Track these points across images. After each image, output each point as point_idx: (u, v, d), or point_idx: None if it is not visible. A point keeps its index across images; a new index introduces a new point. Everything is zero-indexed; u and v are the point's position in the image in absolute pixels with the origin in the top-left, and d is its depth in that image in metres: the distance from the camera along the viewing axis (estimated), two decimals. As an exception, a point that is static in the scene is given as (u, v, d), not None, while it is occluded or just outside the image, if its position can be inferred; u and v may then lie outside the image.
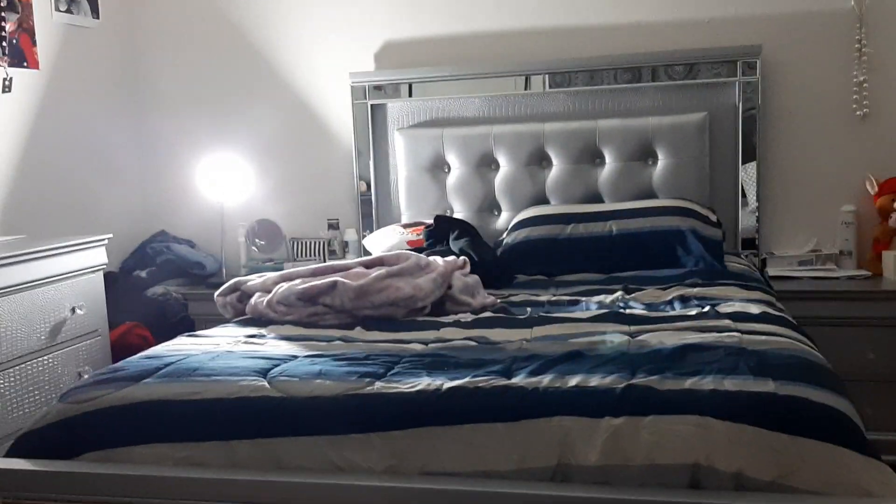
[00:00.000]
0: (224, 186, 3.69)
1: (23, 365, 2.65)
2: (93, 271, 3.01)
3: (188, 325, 3.43)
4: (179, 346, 2.12)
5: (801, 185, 3.33)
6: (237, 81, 3.81)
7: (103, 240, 3.04)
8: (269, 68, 3.77)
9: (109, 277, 3.42)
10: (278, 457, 1.65)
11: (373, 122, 3.65)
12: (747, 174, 3.32)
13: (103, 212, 3.67)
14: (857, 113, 3.22)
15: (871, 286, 3.06)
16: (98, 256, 3.03)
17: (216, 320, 2.60)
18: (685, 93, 3.36)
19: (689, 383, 1.59)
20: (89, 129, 3.65)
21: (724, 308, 2.24)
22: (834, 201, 3.29)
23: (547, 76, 3.44)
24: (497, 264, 3.00)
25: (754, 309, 2.20)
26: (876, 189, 3.20)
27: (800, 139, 3.31)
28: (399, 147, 3.58)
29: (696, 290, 2.51)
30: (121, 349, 3.07)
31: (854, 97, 3.22)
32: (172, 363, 1.91)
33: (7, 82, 3.18)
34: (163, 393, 1.76)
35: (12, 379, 2.60)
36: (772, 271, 3.23)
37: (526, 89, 3.49)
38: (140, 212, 3.92)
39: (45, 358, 2.75)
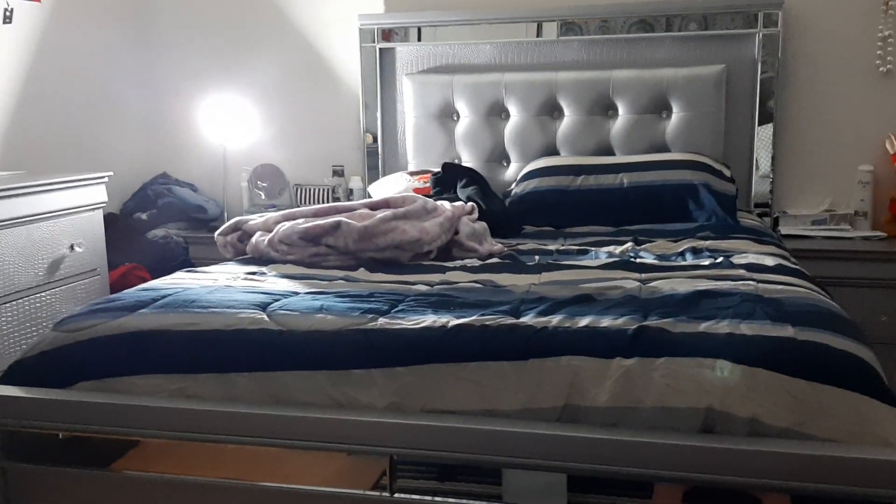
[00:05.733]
0: (227, 130, 3.61)
1: (20, 300, 2.60)
2: (92, 209, 2.95)
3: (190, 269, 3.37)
4: (178, 281, 2.08)
5: (819, 142, 3.25)
6: (243, 20, 3.72)
7: (103, 177, 2.98)
8: (276, 8, 3.67)
9: (110, 219, 3.37)
10: (276, 391, 1.60)
11: (381, 67, 3.56)
12: (761, 139, 3.23)
13: (105, 151, 3.60)
14: (881, 69, 3.12)
15: (885, 247, 2.99)
16: (98, 194, 2.97)
17: (217, 264, 2.54)
18: (703, 44, 3.27)
19: (703, 326, 1.54)
20: (92, 65, 3.56)
21: (738, 259, 2.18)
22: (851, 160, 3.21)
23: (560, 23, 3.34)
24: (505, 214, 2.94)
25: (769, 261, 2.15)
26: (896, 148, 3.12)
27: (820, 95, 3.22)
28: (407, 93, 3.49)
29: (708, 242, 2.45)
30: (120, 290, 3.01)
31: (878, 52, 3.12)
32: (170, 295, 1.86)
33: (8, 13, 3.09)
34: (159, 323, 1.71)
35: (10, 313, 2.55)
36: (784, 230, 3.16)
37: (538, 36, 3.39)
38: (142, 153, 3.85)
39: (43, 294, 2.71)
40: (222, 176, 3.65)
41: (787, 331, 1.50)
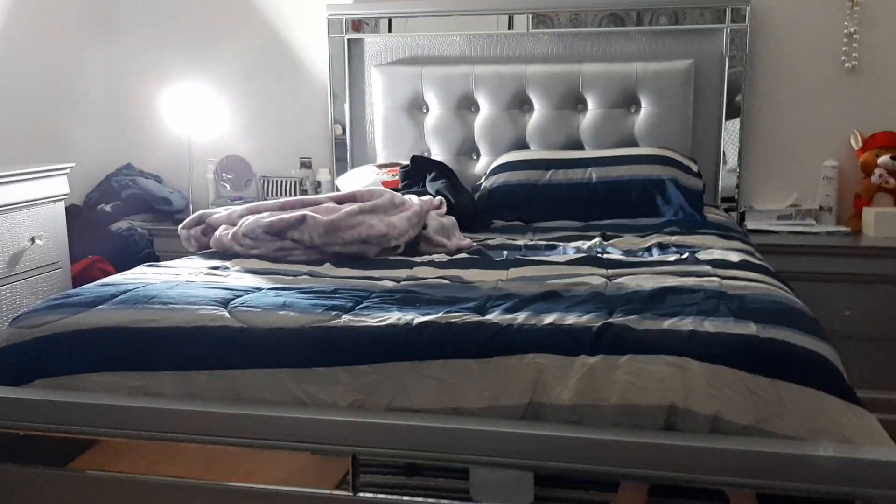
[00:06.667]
0: (193, 120, 3.56)
1: (-23, 294, 2.55)
2: (54, 201, 2.90)
3: (153, 262, 3.32)
4: (138, 275, 2.04)
5: (785, 138, 3.27)
6: (209, 8, 3.65)
7: (65, 168, 2.92)
8: (243, -3, 3.63)
9: (73, 210, 3.31)
10: (237, 389, 1.58)
11: (349, 58, 3.52)
12: (728, 134, 3.26)
13: (67, 141, 3.52)
14: (846, 65, 3.15)
15: (849, 242, 3.02)
16: (59, 186, 2.91)
17: (182, 257, 2.51)
18: (672, 39, 3.28)
19: (667, 324, 1.54)
20: (54, 53, 3.48)
21: (704, 255, 2.19)
22: (817, 155, 3.23)
23: (531, 16, 3.33)
24: (474, 208, 2.92)
25: (734, 257, 2.15)
26: (860, 144, 3.15)
27: (786, 90, 3.24)
28: (376, 84, 3.46)
29: (674, 238, 2.46)
30: (83, 283, 2.97)
31: (844, 49, 3.15)
32: (129, 290, 1.83)
33: (-36, -1, 3.02)
34: (118, 319, 1.68)
35: (-35, 308, 2.50)
36: (750, 225, 3.18)
37: (509, 29, 3.38)
38: (105, 143, 3.77)
39: (3, 288, 2.66)
40: (188, 167, 3.60)
41: (750, 328, 1.50)
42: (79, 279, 3.03)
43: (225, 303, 1.74)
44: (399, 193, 2.59)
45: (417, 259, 2.28)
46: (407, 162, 3.14)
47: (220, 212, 2.48)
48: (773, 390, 1.40)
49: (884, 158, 3.07)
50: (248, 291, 1.84)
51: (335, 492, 1.53)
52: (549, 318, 1.59)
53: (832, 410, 1.39)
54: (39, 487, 1.67)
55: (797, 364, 1.43)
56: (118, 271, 3.10)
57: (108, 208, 3.50)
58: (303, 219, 2.23)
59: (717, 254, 2.20)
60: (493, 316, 1.63)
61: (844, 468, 1.31)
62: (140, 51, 3.75)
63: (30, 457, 1.68)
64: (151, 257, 3.38)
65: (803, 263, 2.95)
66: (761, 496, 1.41)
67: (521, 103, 3.34)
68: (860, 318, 2.91)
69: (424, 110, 3.43)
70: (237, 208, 2.46)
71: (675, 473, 1.37)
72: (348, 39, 3.50)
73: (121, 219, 3.48)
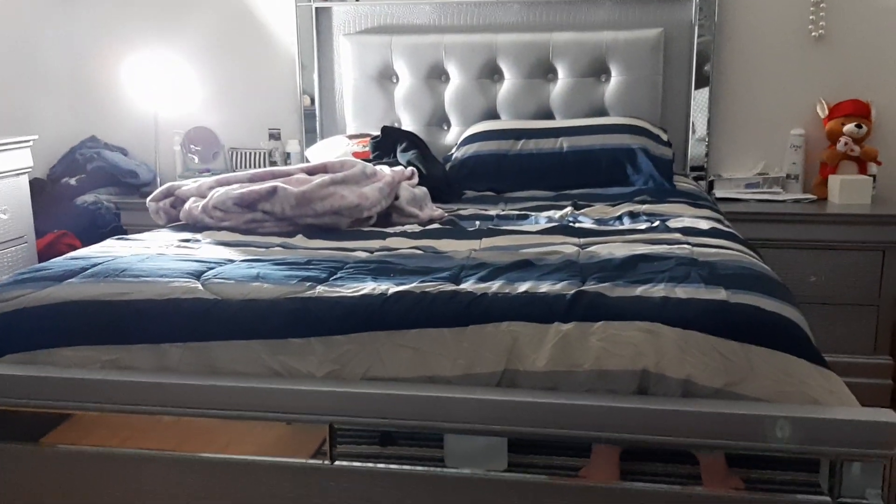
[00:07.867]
0: (158, 91, 3.50)
1: (-60, 270, 2.51)
2: (16, 174, 2.85)
3: (121, 235, 3.28)
4: (108, 249, 2.01)
5: (753, 106, 3.30)
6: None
7: (28, 141, 2.87)
8: (207, -35, 3.55)
9: (37, 184, 3.25)
10: (212, 361, 1.57)
11: (317, 27, 3.48)
12: (697, 103, 3.28)
13: (28, 113, 3.45)
14: (813, 34, 3.18)
15: (815, 209, 3.06)
16: (22, 159, 2.86)
17: (151, 230, 2.48)
18: (641, 7, 3.28)
19: (640, 290, 1.56)
20: (13, 21, 3.39)
21: (674, 223, 2.21)
22: (784, 124, 3.27)
23: (501, -17, 3.32)
24: (445, 179, 2.92)
25: (704, 225, 2.18)
26: (826, 113, 3.19)
27: (754, 59, 3.27)
28: (345, 54, 3.43)
29: (645, 206, 2.48)
30: (49, 258, 2.92)
31: (811, 17, 3.17)
32: (100, 264, 1.80)
33: (-83, -33, 2.92)
34: (88, 293, 1.66)
35: (-71, 284, 2.45)
36: (719, 193, 3.22)
37: (479, -4, 3.36)
38: (69, 115, 3.70)
39: (-34, 264, 2.61)
40: (154, 139, 3.54)
41: (720, 293, 1.53)
42: (45, 254, 2.99)
43: (197, 275, 1.72)
44: (370, 164, 2.57)
45: (390, 230, 2.28)
46: (377, 132, 3.12)
47: (189, 184, 2.45)
48: (743, 354, 1.42)
49: (849, 126, 3.11)
50: (220, 263, 1.82)
51: (313, 460, 1.54)
52: (522, 287, 1.60)
53: (800, 373, 1.42)
54: (12, 463, 1.66)
55: (766, 328, 1.46)
56: (85, 245, 3.07)
57: (72, 182, 3.44)
58: (274, 190, 2.22)
59: (687, 222, 2.22)
60: (468, 285, 1.63)
61: (811, 428, 1.34)
62: (103, 19, 3.67)
63: (2, 432, 1.66)
64: (118, 231, 3.33)
65: (771, 230, 2.99)
66: (730, 457, 1.44)
67: (492, 73, 3.33)
68: (825, 284, 2.97)
69: (394, 80, 3.41)
70: (206, 180, 2.43)
71: (648, 436, 1.40)
72: (316, 8, 3.46)
73: (86, 192, 3.43)
